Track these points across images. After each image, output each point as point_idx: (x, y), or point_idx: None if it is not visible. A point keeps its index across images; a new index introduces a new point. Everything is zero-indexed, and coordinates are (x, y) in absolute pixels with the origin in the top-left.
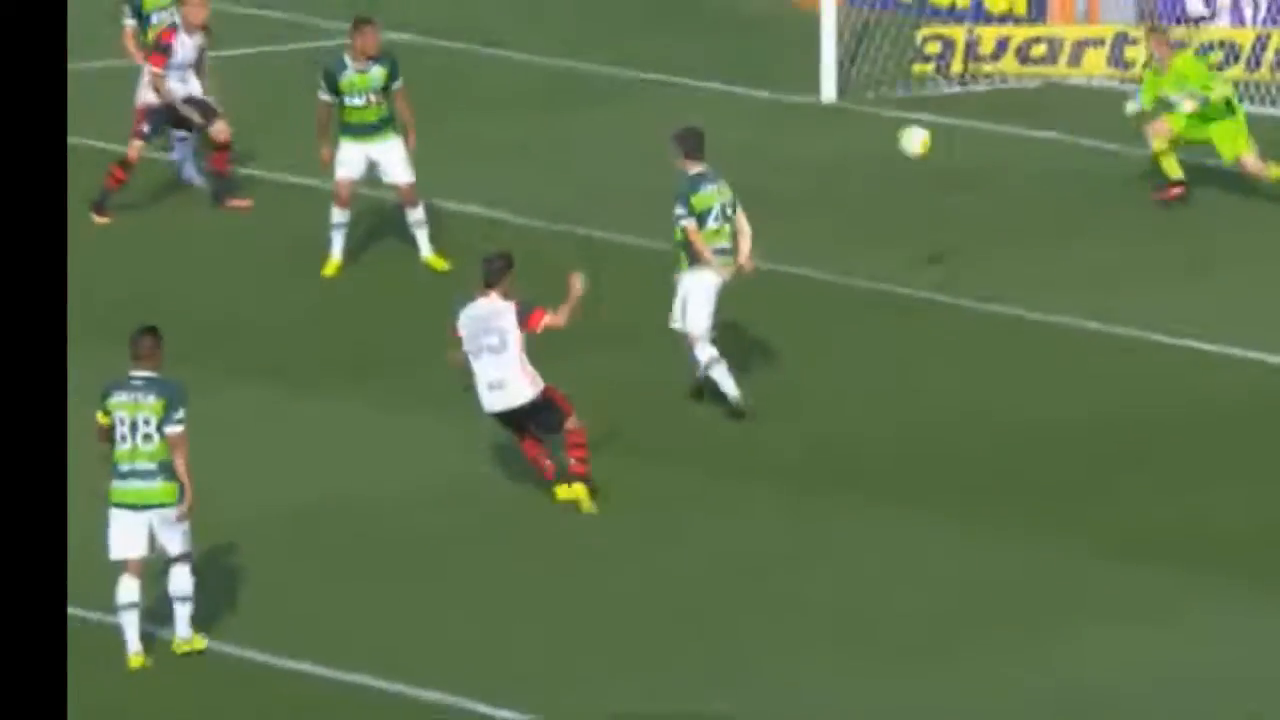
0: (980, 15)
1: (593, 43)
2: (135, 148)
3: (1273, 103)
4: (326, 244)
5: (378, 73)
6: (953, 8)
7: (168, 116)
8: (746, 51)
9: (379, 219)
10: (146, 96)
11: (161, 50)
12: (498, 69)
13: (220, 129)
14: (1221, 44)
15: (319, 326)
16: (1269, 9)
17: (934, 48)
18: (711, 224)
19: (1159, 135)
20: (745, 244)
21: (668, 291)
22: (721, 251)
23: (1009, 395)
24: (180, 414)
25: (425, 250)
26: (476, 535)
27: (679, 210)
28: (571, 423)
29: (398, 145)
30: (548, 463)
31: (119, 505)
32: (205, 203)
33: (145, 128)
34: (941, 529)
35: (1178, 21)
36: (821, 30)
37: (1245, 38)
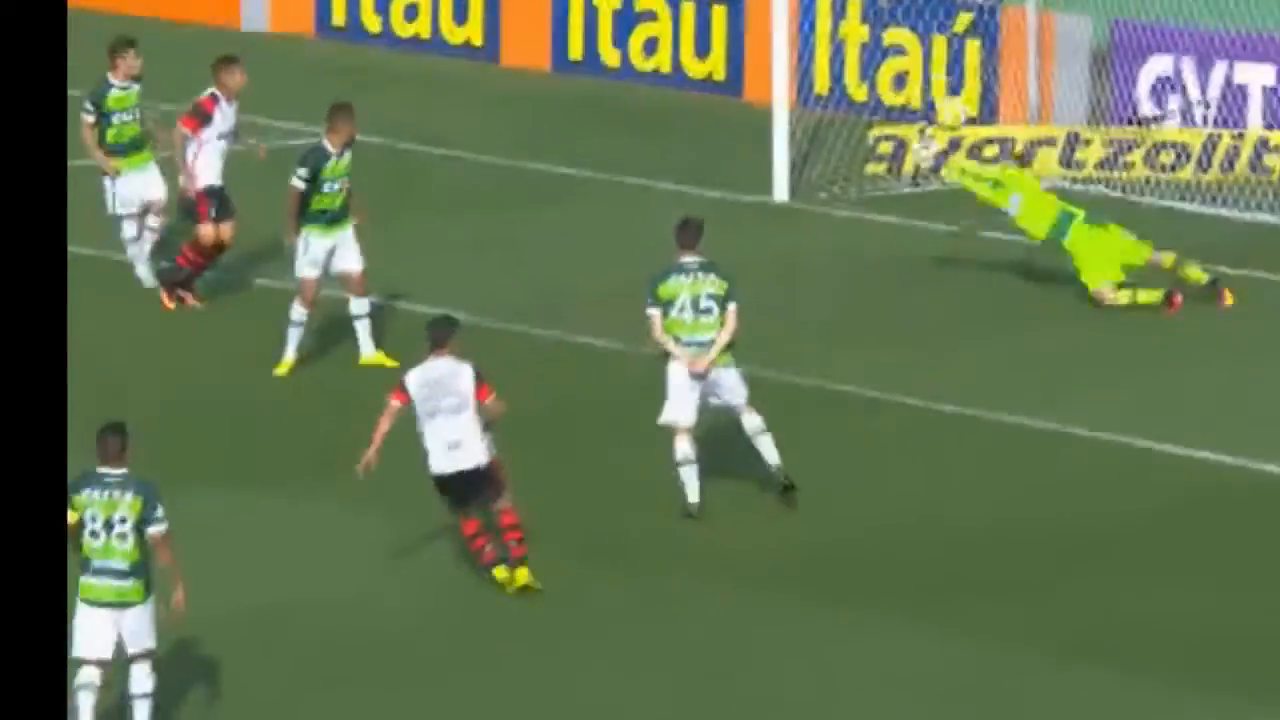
0: (932, 115)
1: (545, 143)
2: (207, 233)
3: (1222, 203)
4: (282, 342)
5: (348, 159)
6: (905, 108)
7: (204, 198)
8: (698, 151)
9: (336, 314)
10: (199, 180)
11: (200, 117)
12: (450, 169)
13: (227, 230)
14: (1171, 145)
15: (280, 425)
16: (1219, 111)
17: (886, 148)
18: (675, 314)
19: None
20: (719, 340)
21: (619, 390)
22: (696, 344)
23: (962, 495)
24: (160, 512)
25: (366, 347)
26: (443, 634)
27: (646, 297)
28: (505, 501)
29: (351, 234)
30: (488, 546)
31: (89, 602)
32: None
33: (211, 210)
34: (898, 630)
35: (1129, 122)
36: (773, 130)
37: (1195, 139)
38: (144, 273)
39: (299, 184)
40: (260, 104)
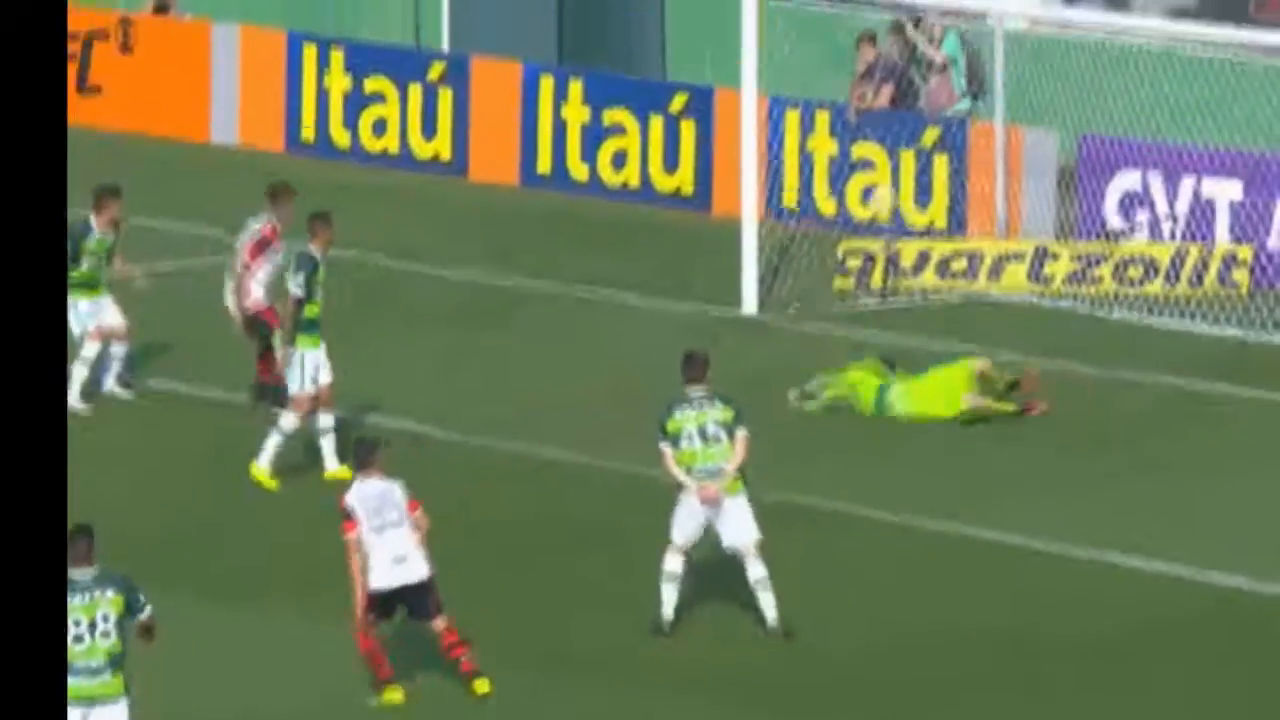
0: (901, 229)
1: (513, 257)
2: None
3: (1190, 317)
4: (259, 453)
5: (324, 269)
6: (873, 222)
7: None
8: (667, 265)
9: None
10: (257, 295)
11: (263, 246)
12: (419, 283)
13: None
14: (1140, 259)
15: (244, 537)
16: (1186, 226)
17: (855, 262)
18: (685, 445)
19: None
20: (728, 467)
21: (586, 503)
22: (709, 473)
23: (926, 609)
24: (143, 598)
25: (331, 462)
26: None
27: (657, 433)
28: (444, 619)
29: (324, 346)
30: (386, 664)
31: (76, 701)
32: (126, 415)
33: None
34: None
35: (1097, 237)
36: (742, 244)
37: (1163, 253)
38: (110, 384)
39: (299, 291)
40: (228, 218)
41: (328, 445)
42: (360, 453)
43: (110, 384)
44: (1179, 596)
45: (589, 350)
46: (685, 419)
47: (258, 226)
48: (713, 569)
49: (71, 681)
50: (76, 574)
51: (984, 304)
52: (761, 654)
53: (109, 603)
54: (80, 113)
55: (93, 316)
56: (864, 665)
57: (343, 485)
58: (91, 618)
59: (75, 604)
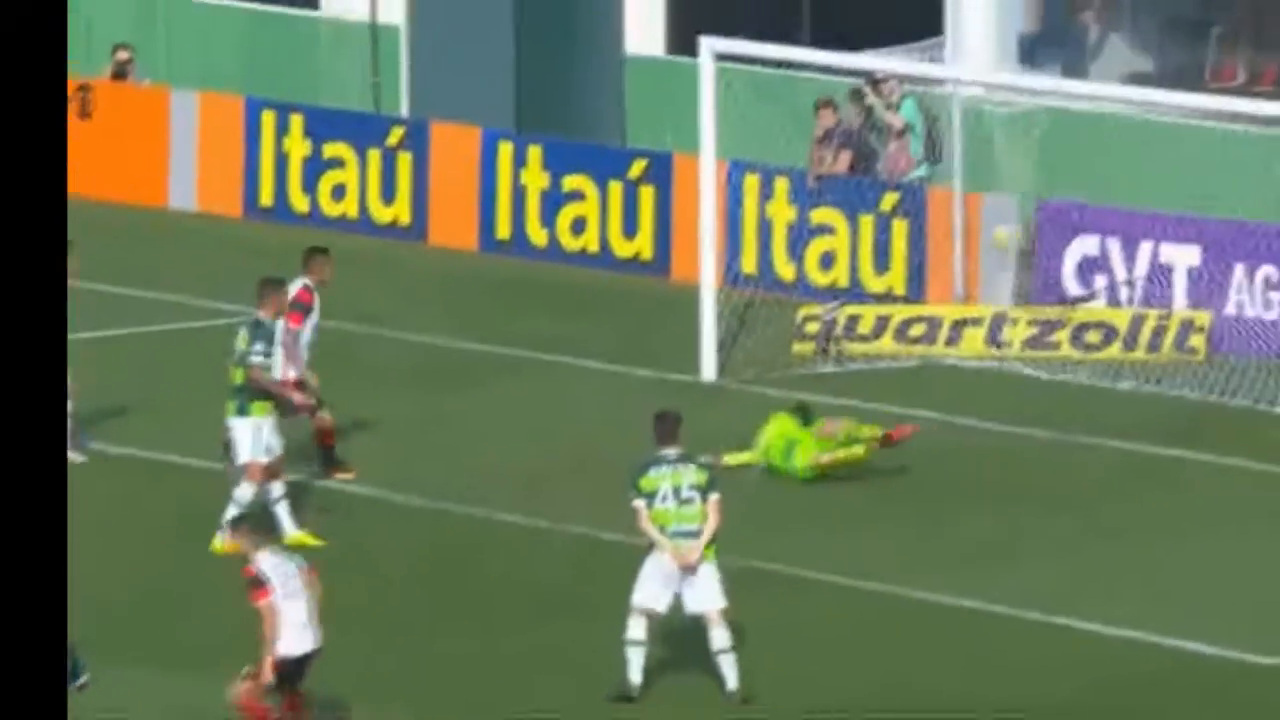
0: (859, 295)
1: (472, 322)
2: (326, 421)
3: (1146, 380)
4: (218, 522)
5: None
6: (832, 287)
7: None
8: (626, 330)
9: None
10: (287, 372)
11: (303, 310)
12: (377, 347)
13: (324, 417)
14: (1098, 324)
15: (203, 604)
16: (1144, 290)
17: (813, 327)
18: (659, 504)
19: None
20: (705, 533)
21: (544, 569)
22: (683, 534)
23: (886, 675)
24: (83, 662)
25: (289, 527)
26: None
27: (629, 489)
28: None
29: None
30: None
31: None
32: (82, 478)
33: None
34: None
35: (1055, 302)
36: (701, 310)
37: (1121, 318)
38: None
39: (262, 359)
40: (187, 284)
41: (283, 512)
42: (252, 532)
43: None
44: (1136, 661)
45: (548, 415)
46: (660, 478)
47: (294, 291)
48: (674, 634)
49: None
50: None
51: (941, 368)
52: (719, 714)
53: None
54: None
55: None
56: None
57: (304, 549)
58: None
59: None
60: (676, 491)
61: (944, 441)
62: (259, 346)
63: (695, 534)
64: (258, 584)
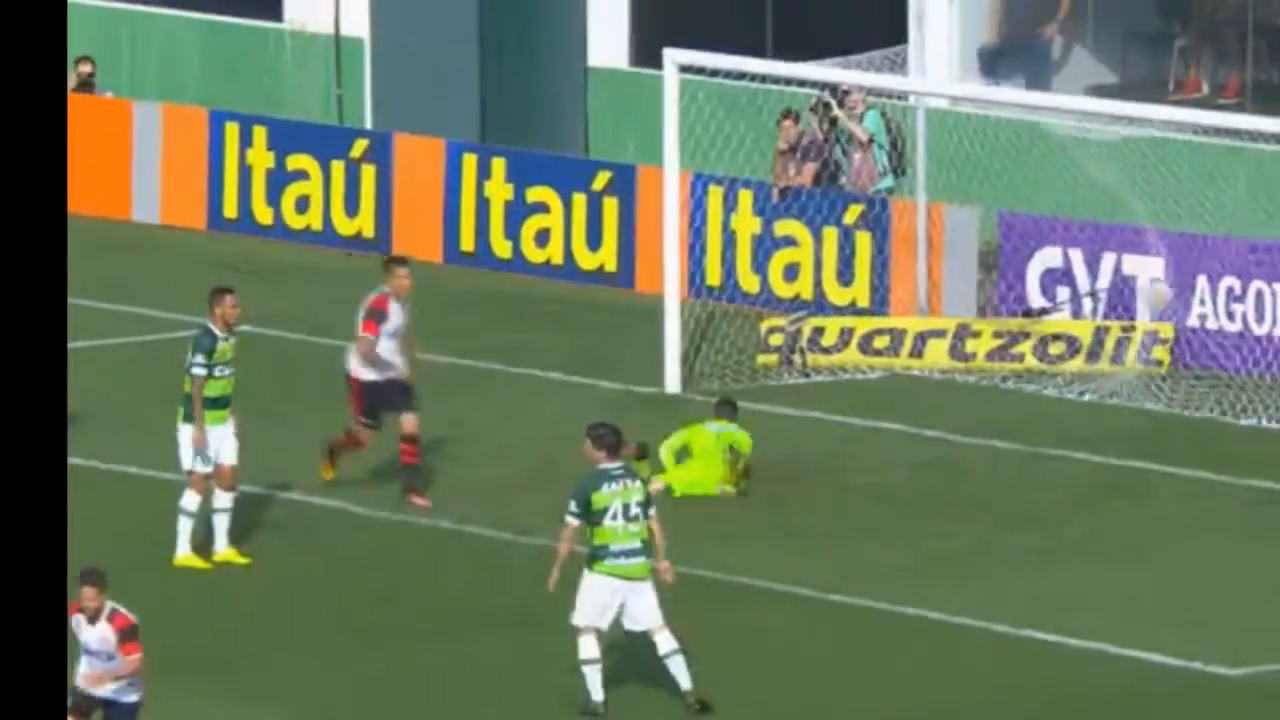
0: (824, 307)
1: (436, 334)
2: (364, 435)
3: (1111, 394)
4: (173, 535)
5: (233, 344)
6: (796, 298)
7: (375, 395)
8: (590, 342)
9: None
10: (359, 371)
11: (378, 317)
12: (339, 360)
13: (410, 420)
14: (1061, 336)
15: (169, 619)
16: (1108, 302)
17: (778, 339)
18: (608, 522)
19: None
20: (659, 546)
21: (509, 582)
22: (628, 553)
23: (854, 686)
24: None
25: (221, 543)
26: None
27: (570, 505)
28: None
29: (231, 425)
30: None
31: None
32: None
33: (363, 418)
34: None
35: (1018, 314)
36: (664, 322)
37: (1084, 330)
38: None
39: (201, 370)
40: (149, 296)
41: (221, 526)
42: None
43: None
44: (1102, 672)
45: (511, 427)
46: (612, 495)
47: (371, 299)
48: (622, 645)
49: None
50: None
51: (906, 380)
52: None
53: None
54: None
55: None
56: None
57: (233, 567)
58: None
59: None
60: (626, 509)
61: (910, 454)
62: (199, 358)
63: (639, 552)
64: (135, 643)
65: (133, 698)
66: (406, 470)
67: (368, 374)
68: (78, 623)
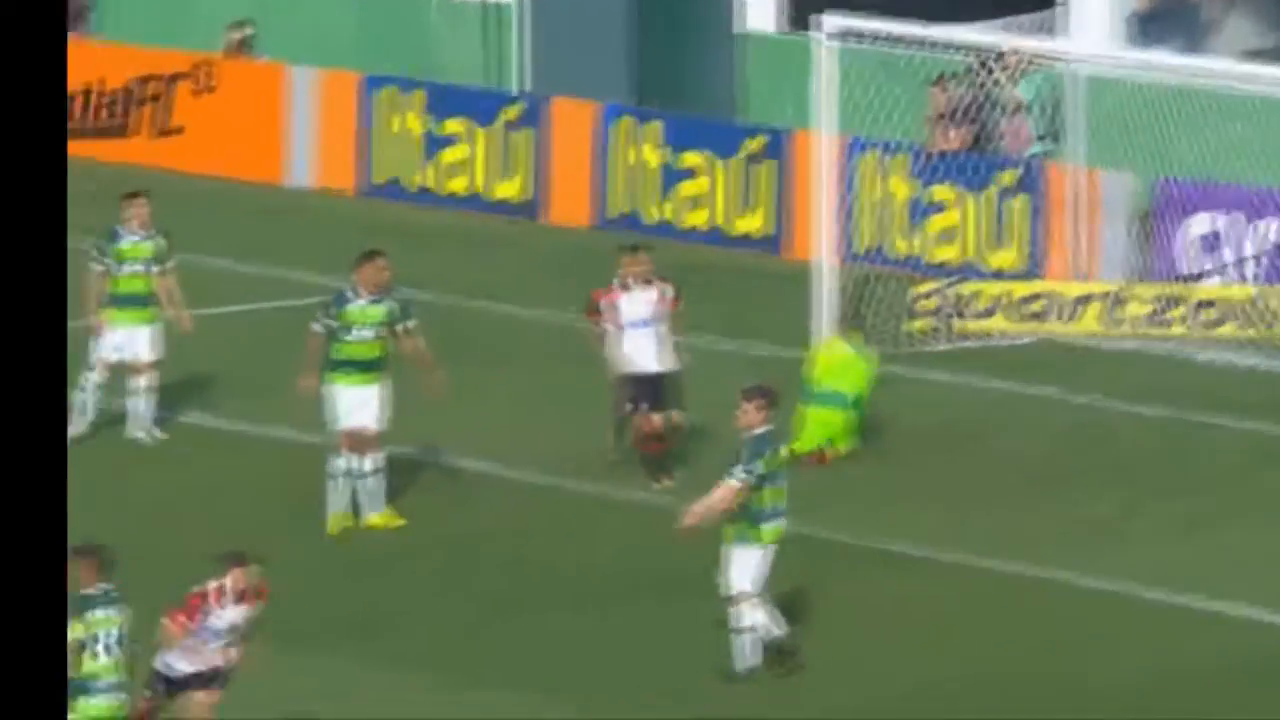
0: (976, 271)
1: (585, 298)
2: (647, 424)
3: (1268, 358)
4: (323, 499)
5: (382, 309)
6: (948, 263)
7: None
8: (741, 307)
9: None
10: (615, 365)
11: (602, 309)
12: (495, 324)
13: (658, 419)
14: (1215, 302)
15: (317, 584)
16: (1263, 267)
17: (929, 303)
18: (770, 485)
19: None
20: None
21: (655, 548)
22: (779, 514)
23: (1001, 653)
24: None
25: (374, 507)
26: None
27: (745, 469)
28: None
29: (378, 390)
30: None
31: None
32: (191, 450)
33: (627, 401)
34: None
35: (1172, 279)
36: (816, 287)
37: (1240, 295)
38: (140, 432)
39: (319, 328)
40: (302, 260)
41: (370, 490)
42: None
43: (140, 425)
44: (1254, 640)
45: None
46: (778, 460)
47: (598, 291)
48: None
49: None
50: (91, 590)
51: (1059, 345)
52: (835, 691)
53: (117, 621)
54: (161, 154)
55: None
56: (929, 701)
57: (383, 531)
58: (101, 632)
59: (90, 619)
60: (781, 474)
61: (1059, 419)
62: (323, 316)
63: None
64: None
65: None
66: (647, 458)
67: (621, 368)
68: (210, 609)
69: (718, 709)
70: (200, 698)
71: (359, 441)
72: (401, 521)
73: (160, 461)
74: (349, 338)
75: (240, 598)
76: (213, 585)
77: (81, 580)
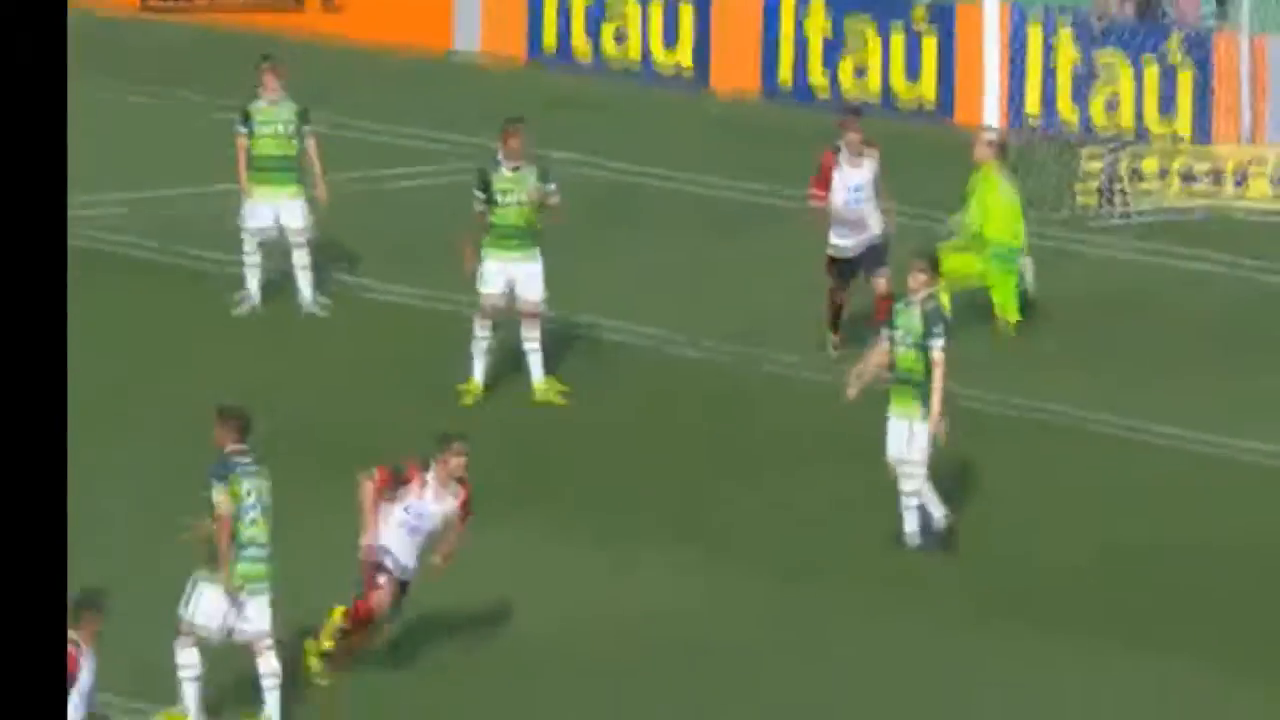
0: (1144, 139)
1: (752, 168)
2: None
3: None
4: (468, 366)
5: (530, 177)
6: (1115, 130)
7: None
8: (908, 175)
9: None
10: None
11: (825, 177)
12: (658, 195)
13: (882, 279)
14: None
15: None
16: None
17: (1096, 167)
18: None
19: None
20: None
21: (822, 417)
22: (899, 380)
23: (1175, 523)
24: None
25: (537, 375)
26: (632, 667)
27: (944, 336)
28: None
29: (528, 257)
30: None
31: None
32: (351, 321)
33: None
34: (1116, 656)
35: None
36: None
37: None
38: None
39: (476, 204)
40: (470, 127)
41: (536, 361)
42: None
43: (308, 297)
44: None
45: (822, 263)
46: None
47: (822, 158)
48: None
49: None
50: (237, 455)
51: (1225, 216)
52: (990, 566)
53: (262, 486)
54: (324, 24)
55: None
56: (1110, 572)
57: (548, 405)
58: (254, 496)
59: (245, 481)
60: (906, 337)
61: (1227, 290)
62: (476, 192)
63: (917, 385)
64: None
65: None
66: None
67: (831, 238)
68: (409, 497)
69: (894, 572)
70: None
71: (526, 310)
72: (564, 389)
73: (329, 332)
74: (500, 205)
75: (452, 482)
76: (423, 463)
77: (224, 441)
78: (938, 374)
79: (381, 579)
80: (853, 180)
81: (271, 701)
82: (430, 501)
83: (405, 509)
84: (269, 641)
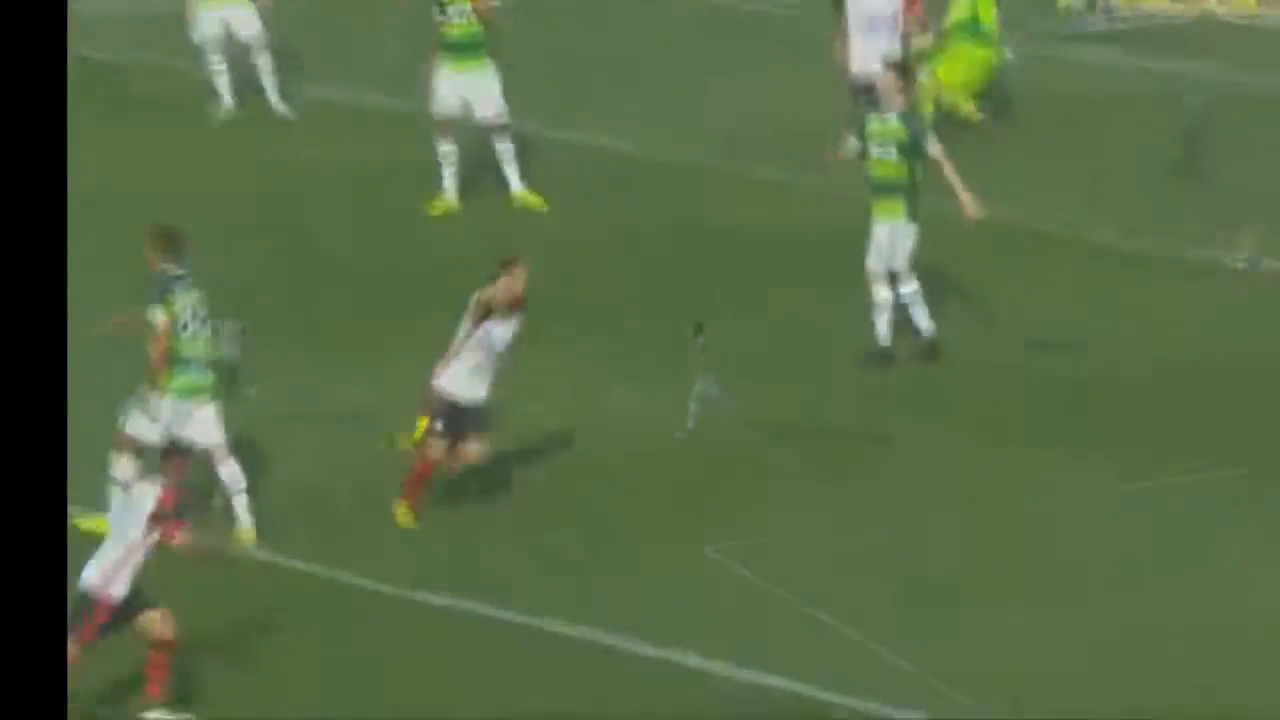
0: None
1: None
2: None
3: None
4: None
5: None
6: None
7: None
8: None
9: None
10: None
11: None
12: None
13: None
14: None
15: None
16: None
17: None
18: (875, 152)
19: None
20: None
21: (814, 228)
22: (885, 189)
23: (1185, 336)
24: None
25: (514, 182)
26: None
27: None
28: None
29: (480, 68)
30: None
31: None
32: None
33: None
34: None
35: None
36: None
37: None
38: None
39: (435, 15)
40: None
41: (509, 169)
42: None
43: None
44: None
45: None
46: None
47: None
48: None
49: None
50: (177, 269)
51: (1214, 22)
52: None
53: (199, 300)
54: None
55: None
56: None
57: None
58: (191, 311)
59: (182, 297)
60: (896, 144)
61: (1213, 94)
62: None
63: (897, 189)
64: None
65: None
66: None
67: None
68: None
69: (895, 388)
70: (473, 448)
71: (486, 119)
72: (539, 201)
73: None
74: (450, 19)
75: (514, 305)
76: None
77: (157, 261)
78: (948, 167)
79: (439, 425)
80: (869, 8)
81: (239, 506)
82: (499, 325)
83: (482, 336)
84: (225, 450)
